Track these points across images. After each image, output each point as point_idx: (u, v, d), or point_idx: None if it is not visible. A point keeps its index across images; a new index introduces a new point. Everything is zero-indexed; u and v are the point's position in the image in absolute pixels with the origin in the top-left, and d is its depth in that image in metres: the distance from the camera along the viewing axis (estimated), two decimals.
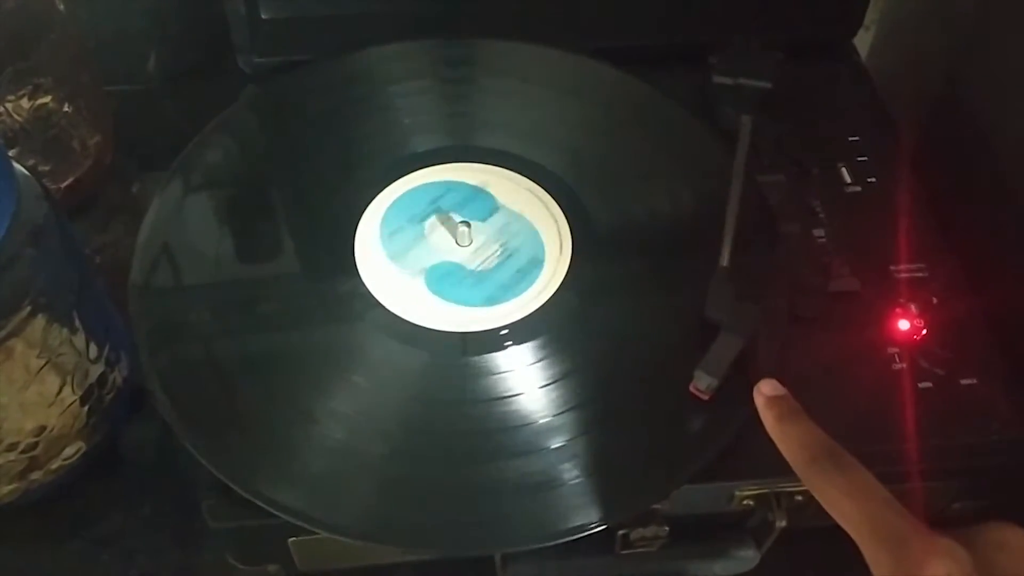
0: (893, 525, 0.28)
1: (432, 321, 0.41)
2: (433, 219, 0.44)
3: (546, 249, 0.43)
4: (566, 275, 0.42)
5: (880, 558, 0.27)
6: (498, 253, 0.43)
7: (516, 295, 0.42)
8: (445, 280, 0.42)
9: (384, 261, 0.43)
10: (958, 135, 0.54)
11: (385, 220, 0.44)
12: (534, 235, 0.44)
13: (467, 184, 0.46)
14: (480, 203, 0.45)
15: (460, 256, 0.43)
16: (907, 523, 0.28)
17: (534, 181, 0.46)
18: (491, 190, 0.46)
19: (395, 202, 0.45)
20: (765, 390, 0.34)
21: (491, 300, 0.42)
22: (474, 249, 0.43)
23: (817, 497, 0.30)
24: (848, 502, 0.29)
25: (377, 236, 0.44)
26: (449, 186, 0.46)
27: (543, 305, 0.41)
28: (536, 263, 0.43)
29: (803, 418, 0.32)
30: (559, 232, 0.44)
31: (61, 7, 0.48)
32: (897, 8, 0.62)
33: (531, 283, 0.42)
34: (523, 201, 0.45)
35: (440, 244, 0.43)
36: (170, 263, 0.42)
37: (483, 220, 0.44)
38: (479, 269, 0.43)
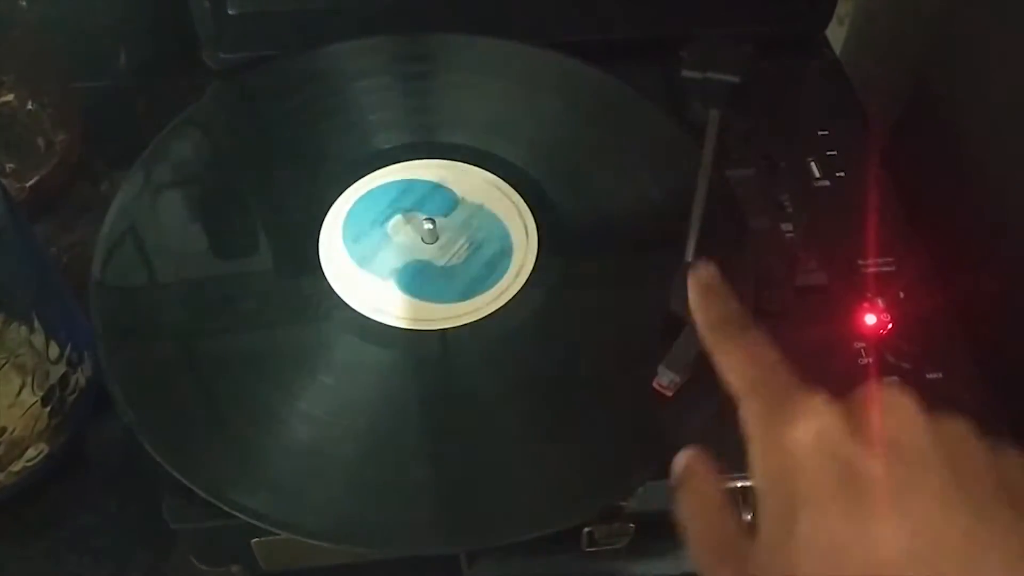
0: (780, 381, 0.27)
1: (405, 321, 0.40)
2: (396, 219, 0.44)
3: (512, 238, 0.43)
4: (536, 263, 0.42)
5: (755, 407, 0.27)
6: (466, 247, 0.43)
7: (489, 286, 0.41)
8: (417, 279, 0.42)
9: (353, 267, 0.42)
10: (930, 130, 0.54)
11: (347, 223, 0.44)
12: (499, 225, 0.44)
13: (425, 181, 0.45)
14: (440, 199, 0.45)
15: (428, 253, 0.43)
16: (794, 381, 0.27)
17: (493, 173, 0.45)
18: (450, 185, 0.45)
19: (355, 204, 0.44)
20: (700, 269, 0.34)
21: (465, 294, 0.41)
22: (441, 245, 0.43)
23: (717, 359, 0.30)
24: (746, 362, 0.28)
25: (340, 239, 0.43)
26: (407, 184, 0.45)
27: (516, 295, 0.41)
28: (505, 253, 0.43)
29: (726, 289, 0.32)
30: (523, 220, 0.44)
31: (23, 3, 0.48)
32: (870, 2, 0.62)
33: (503, 272, 0.42)
34: (483, 193, 0.45)
35: (406, 244, 0.43)
36: (132, 260, 0.41)
37: (445, 216, 0.44)
38: (449, 264, 0.42)
